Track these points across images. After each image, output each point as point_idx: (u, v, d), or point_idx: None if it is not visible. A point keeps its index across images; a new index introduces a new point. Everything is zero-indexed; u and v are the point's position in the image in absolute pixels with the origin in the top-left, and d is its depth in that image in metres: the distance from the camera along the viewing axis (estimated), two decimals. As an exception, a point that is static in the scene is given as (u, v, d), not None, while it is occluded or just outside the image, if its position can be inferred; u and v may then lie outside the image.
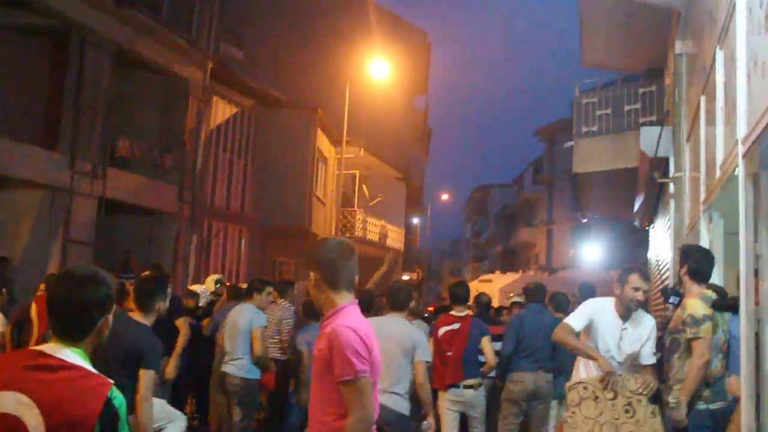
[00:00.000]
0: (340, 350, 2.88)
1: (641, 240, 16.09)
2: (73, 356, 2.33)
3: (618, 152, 13.51)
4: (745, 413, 3.91)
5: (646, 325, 5.11)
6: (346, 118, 21.90)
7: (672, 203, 9.43)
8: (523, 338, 7.28)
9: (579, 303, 6.37)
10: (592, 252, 31.61)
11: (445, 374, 6.95)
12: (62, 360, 2.29)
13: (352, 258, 3.14)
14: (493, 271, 36.52)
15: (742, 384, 4.03)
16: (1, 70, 12.76)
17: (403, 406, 5.44)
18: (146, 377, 4.83)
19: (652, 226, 14.20)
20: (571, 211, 36.80)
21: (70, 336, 2.36)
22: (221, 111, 19.11)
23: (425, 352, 5.76)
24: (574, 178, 16.29)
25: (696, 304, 4.76)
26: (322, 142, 22.90)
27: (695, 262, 4.97)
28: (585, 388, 4.90)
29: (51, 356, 2.29)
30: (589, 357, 5.03)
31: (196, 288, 11.20)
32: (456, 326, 7.04)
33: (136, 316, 5.11)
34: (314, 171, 21.93)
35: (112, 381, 2.32)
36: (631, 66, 15.71)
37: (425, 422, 5.81)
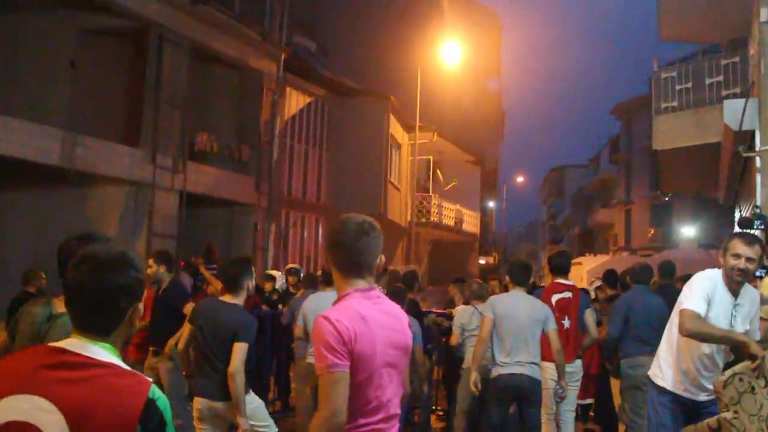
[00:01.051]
0: (315, 343, 2.70)
1: (725, 217, 15.63)
2: (103, 353, 1.98)
3: (700, 127, 13.12)
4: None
5: (754, 298, 4.59)
6: (418, 104, 21.90)
7: (759, 177, 9.14)
8: (637, 322, 6.95)
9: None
10: (680, 231, 30.91)
11: (566, 346, 6.62)
12: (90, 357, 1.95)
13: (367, 239, 2.82)
14: (569, 253, 35.94)
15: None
16: (85, 72, 13.20)
17: (539, 374, 6.13)
18: (239, 350, 4.91)
19: (737, 202, 13.79)
20: (649, 190, 35.97)
21: (96, 329, 2.01)
22: (295, 102, 19.35)
23: (554, 322, 6.24)
24: (653, 156, 15.91)
25: None
26: (395, 129, 22.95)
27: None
28: (741, 379, 4.02)
29: (76, 354, 1.95)
30: (738, 342, 4.29)
31: (273, 272, 11.29)
32: (569, 294, 6.87)
33: (227, 299, 5.24)
34: (388, 158, 22.00)
35: (150, 380, 2.00)
36: (711, 37, 15.26)
37: (558, 386, 6.27)
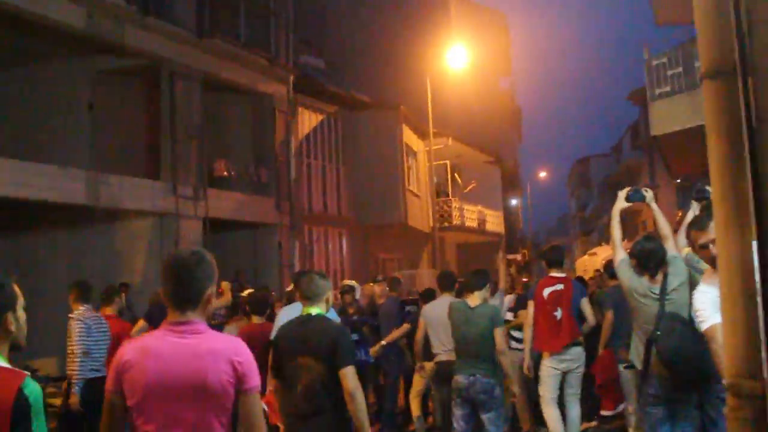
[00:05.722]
0: None
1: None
2: None
3: (694, 110, 13.36)
4: None
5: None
6: (430, 111, 22.23)
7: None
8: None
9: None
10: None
11: (558, 335, 7.14)
12: None
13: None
14: (600, 244, 36.03)
15: None
16: (103, 112, 13.85)
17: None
18: None
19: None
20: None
21: None
22: (308, 120, 19.84)
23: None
24: (655, 142, 16.12)
25: None
26: (409, 137, 23.36)
27: None
28: None
29: None
30: None
31: (351, 282, 10.81)
32: (560, 287, 7.22)
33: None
34: (405, 166, 22.41)
35: (26, 373, 2.45)
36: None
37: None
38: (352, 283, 10.10)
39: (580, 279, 10.58)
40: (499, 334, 6.36)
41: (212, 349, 2.80)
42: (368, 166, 21.10)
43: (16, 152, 11.81)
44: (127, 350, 2.87)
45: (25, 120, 13.81)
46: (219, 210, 15.23)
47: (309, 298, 4.64)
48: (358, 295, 10.10)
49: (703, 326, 3.87)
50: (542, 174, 57.62)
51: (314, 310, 4.61)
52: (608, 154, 57.17)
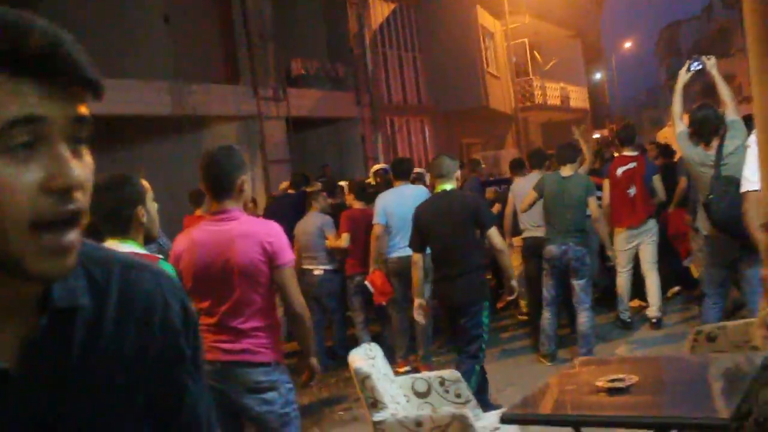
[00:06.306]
0: None
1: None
2: (126, 246, 2.71)
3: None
4: None
5: None
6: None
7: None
8: None
9: None
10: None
11: (633, 211, 7.38)
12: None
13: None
14: (634, 125, 34.77)
15: None
16: (178, 24, 14.09)
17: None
18: None
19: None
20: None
21: (115, 233, 2.77)
22: (380, 11, 19.62)
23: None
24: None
25: None
26: (485, 18, 22.88)
27: None
28: None
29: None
30: None
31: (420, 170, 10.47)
32: (633, 165, 7.40)
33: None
34: (482, 48, 22.07)
35: (160, 257, 2.84)
36: None
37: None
38: (421, 170, 10.07)
39: (666, 148, 10.36)
40: (593, 202, 6.65)
41: (245, 232, 3.20)
42: (445, 52, 20.84)
43: (101, 72, 12.18)
44: (178, 243, 3.36)
45: (105, 41, 14.06)
46: (300, 108, 15.49)
47: (443, 176, 5.37)
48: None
49: (743, 188, 3.94)
50: (627, 44, 55.40)
51: (448, 186, 5.34)
52: (698, 17, 54.48)
